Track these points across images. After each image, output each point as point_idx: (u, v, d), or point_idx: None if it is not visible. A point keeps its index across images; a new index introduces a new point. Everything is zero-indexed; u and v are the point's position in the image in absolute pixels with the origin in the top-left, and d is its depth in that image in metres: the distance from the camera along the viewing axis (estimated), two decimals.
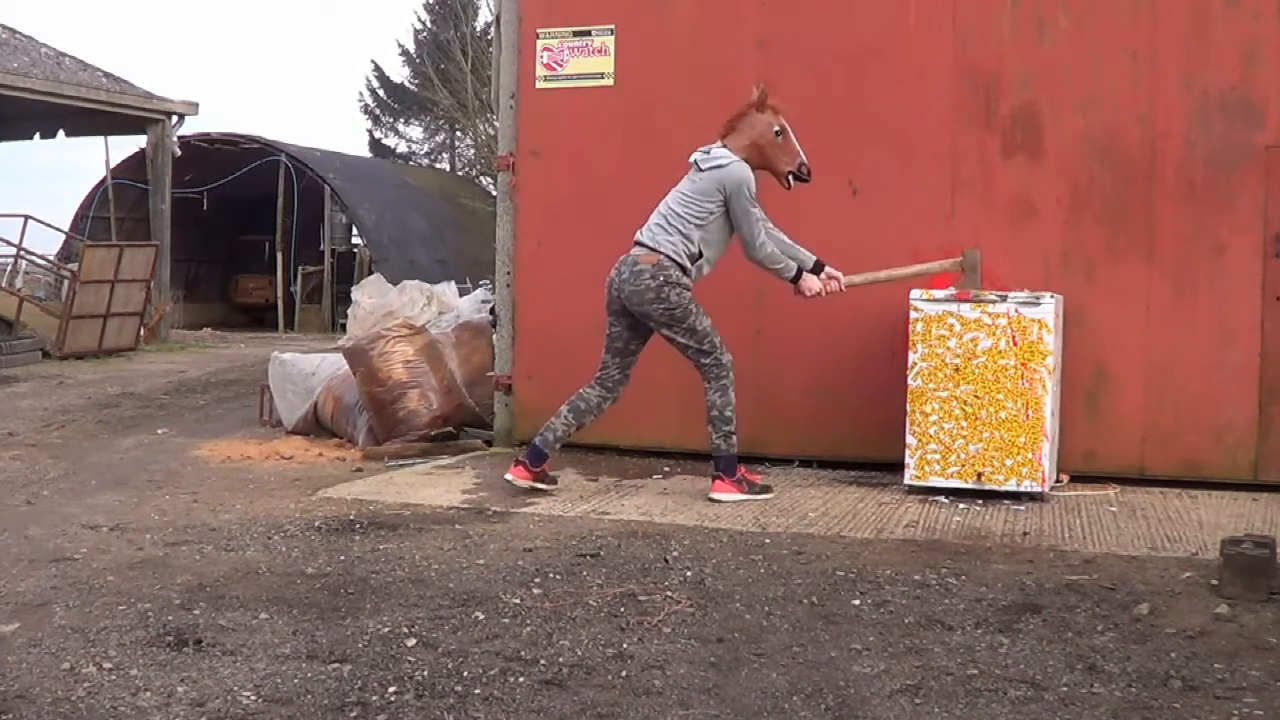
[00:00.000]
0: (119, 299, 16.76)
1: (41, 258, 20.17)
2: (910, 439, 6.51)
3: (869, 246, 7.24)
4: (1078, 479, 6.87)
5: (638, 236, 6.35)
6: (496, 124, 8.99)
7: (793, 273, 6.40)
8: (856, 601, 4.47)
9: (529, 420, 8.10)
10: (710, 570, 4.90)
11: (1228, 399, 6.79)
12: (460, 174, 36.96)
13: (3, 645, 3.91)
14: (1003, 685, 3.62)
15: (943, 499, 6.42)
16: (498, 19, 8.52)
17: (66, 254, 21.35)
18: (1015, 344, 6.40)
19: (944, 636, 4.07)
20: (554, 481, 6.56)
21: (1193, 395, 6.84)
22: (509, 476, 6.43)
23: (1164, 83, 6.85)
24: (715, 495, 6.32)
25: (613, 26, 7.79)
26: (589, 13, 7.84)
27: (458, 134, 37.87)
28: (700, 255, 6.27)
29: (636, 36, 7.76)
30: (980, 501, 6.37)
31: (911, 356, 6.53)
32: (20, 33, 20.84)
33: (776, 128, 6.36)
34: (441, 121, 38.49)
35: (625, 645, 3.95)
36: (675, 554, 5.15)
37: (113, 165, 23.13)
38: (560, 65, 7.89)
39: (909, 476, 6.52)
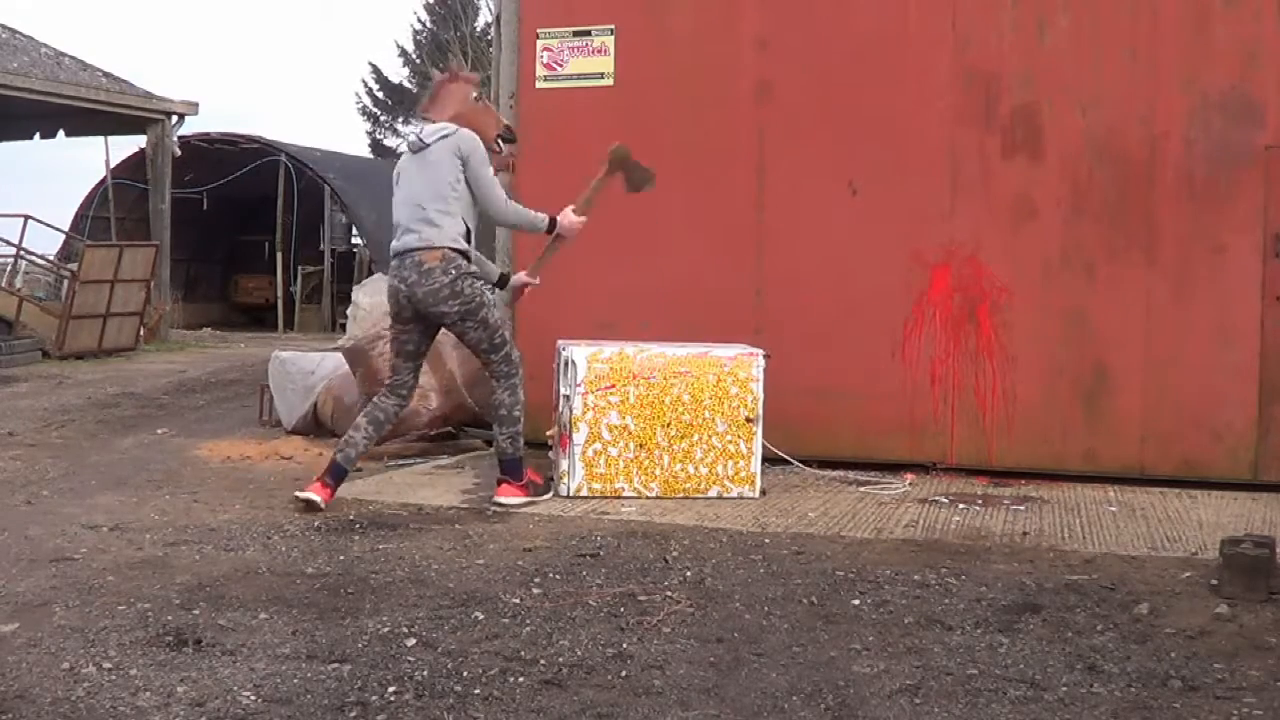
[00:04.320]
0: (119, 299, 16.74)
1: (41, 258, 20.15)
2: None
3: (869, 246, 7.25)
4: (1079, 479, 6.88)
5: (404, 245, 6.01)
6: None
7: (545, 223, 6.26)
8: (856, 601, 4.46)
9: (528, 420, 8.08)
10: (710, 570, 4.89)
11: (1227, 399, 6.79)
12: None
13: (3, 645, 3.90)
14: (1003, 685, 3.62)
15: (942, 499, 6.42)
16: (498, 19, 8.52)
17: (66, 254, 21.33)
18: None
19: (944, 636, 4.07)
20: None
21: (1192, 395, 6.84)
22: (308, 495, 5.98)
23: (1164, 83, 6.85)
24: (500, 499, 6.12)
25: (613, 26, 7.79)
26: (589, 13, 7.84)
27: None
28: (469, 230, 6.07)
29: (636, 36, 7.75)
30: (980, 502, 6.38)
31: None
32: (20, 33, 20.84)
33: (474, 94, 6.21)
34: None
35: (625, 645, 3.95)
36: (675, 554, 5.15)
37: (113, 165, 23.12)
38: (560, 65, 7.89)
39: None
